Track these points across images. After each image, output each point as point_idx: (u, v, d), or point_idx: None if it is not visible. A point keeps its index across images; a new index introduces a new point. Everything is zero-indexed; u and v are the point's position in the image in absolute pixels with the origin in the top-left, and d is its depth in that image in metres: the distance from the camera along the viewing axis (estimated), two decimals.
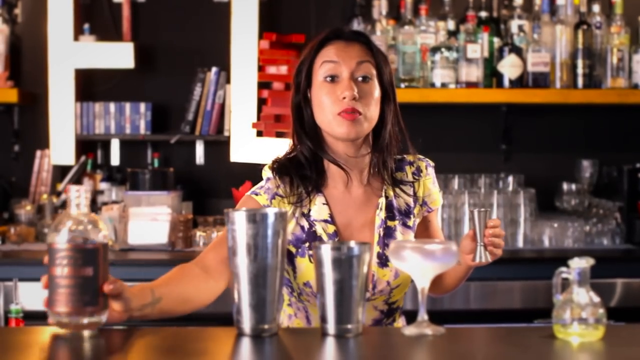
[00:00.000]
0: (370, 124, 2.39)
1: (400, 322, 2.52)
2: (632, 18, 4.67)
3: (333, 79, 2.38)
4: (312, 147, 2.42)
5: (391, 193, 2.46)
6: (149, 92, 4.91)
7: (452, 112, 4.84)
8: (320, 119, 2.40)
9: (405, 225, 2.46)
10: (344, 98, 2.34)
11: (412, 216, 2.47)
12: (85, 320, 1.93)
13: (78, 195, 1.95)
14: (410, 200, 2.48)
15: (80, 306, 1.92)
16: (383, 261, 2.40)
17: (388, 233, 2.43)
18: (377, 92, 2.39)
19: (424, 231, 2.52)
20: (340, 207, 2.43)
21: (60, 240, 1.92)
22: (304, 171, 2.42)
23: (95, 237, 1.93)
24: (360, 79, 2.38)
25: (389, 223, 2.44)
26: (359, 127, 2.36)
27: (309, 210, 2.42)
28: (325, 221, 2.40)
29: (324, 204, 2.42)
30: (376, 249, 2.40)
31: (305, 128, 2.44)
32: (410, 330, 1.98)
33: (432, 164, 2.54)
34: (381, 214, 2.43)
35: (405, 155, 2.51)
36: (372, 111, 2.38)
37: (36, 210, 4.64)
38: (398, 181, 2.47)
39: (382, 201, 2.44)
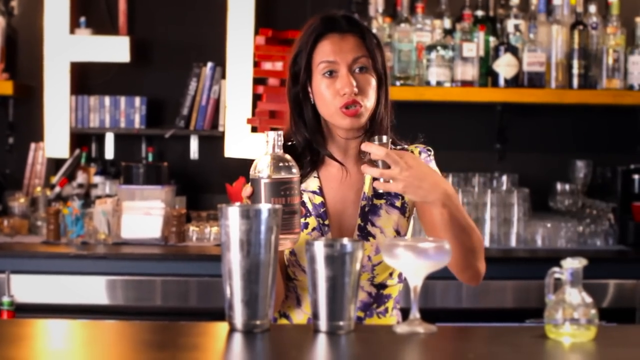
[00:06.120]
0: (369, 112, 2.45)
1: (395, 315, 2.53)
2: (628, 19, 4.66)
3: (331, 73, 2.43)
4: (309, 139, 2.47)
5: None
6: (144, 86, 4.91)
7: (447, 111, 4.84)
8: (323, 111, 2.46)
9: (392, 205, 2.49)
10: (344, 94, 2.40)
11: (400, 197, 2.50)
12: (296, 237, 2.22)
13: (274, 137, 2.21)
14: None
15: (298, 226, 2.22)
16: (364, 234, 2.45)
17: (373, 210, 2.48)
18: (373, 81, 2.45)
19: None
20: (330, 183, 2.50)
21: (287, 173, 2.18)
22: (299, 157, 2.43)
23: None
24: (357, 70, 2.44)
25: (376, 201, 2.49)
26: (361, 118, 2.43)
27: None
28: (314, 192, 2.48)
29: (315, 177, 2.50)
30: (357, 220, 2.46)
31: (304, 118, 2.48)
32: (402, 328, 1.98)
33: (429, 150, 2.55)
34: (365, 188, 2.48)
35: (405, 145, 2.55)
36: (371, 100, 2.44)
37: (30, 203, 4.63)
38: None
39: (368, 176, 2.46)
